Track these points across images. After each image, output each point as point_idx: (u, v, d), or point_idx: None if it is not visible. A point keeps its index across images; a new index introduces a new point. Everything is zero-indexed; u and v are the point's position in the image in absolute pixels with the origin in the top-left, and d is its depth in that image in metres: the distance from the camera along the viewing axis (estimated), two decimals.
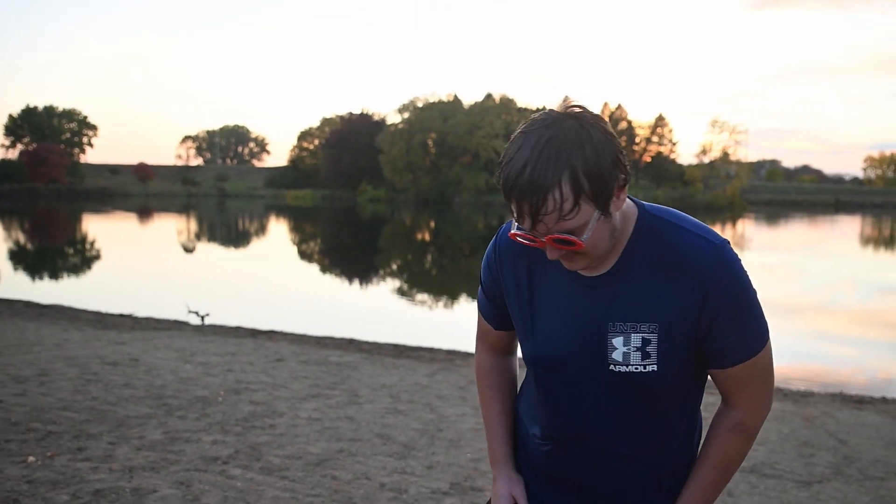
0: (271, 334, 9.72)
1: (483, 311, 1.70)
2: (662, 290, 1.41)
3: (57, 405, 5.15)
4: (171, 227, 41.56)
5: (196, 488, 3.70)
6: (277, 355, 7.76)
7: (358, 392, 6.14)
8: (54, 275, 19.56)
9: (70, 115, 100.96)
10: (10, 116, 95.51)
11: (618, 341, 1.43)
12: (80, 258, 24.26)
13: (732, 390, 1.48)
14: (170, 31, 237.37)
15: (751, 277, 1.46)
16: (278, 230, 42.76)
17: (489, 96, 79.97)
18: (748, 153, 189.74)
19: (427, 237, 38.83)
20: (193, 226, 44.57)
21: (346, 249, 30.79)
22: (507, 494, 1.63)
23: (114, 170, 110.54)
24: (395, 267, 24.25)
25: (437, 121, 75.40)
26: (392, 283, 19.54)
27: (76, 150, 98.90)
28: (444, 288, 18.54)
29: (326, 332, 9.94)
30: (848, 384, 8.57)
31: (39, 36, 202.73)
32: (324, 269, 23.22)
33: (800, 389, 7.87)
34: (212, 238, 35.80)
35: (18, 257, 24.24)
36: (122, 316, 10.84)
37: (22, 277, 18.58)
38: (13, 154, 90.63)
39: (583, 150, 1.26)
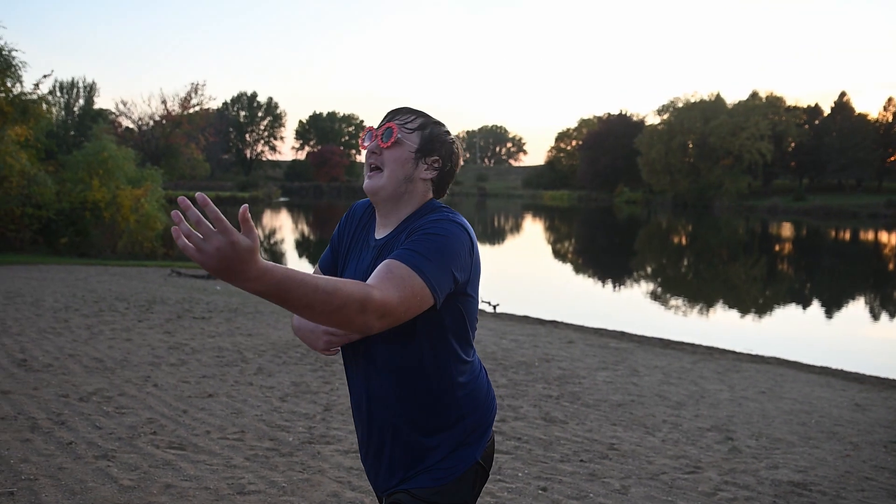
0: (555, 323, 11.88)
1: (321, 261, 2.06)
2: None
3: None
4: None
5: (543, 408, 5.84)
6: (568, 339, 9.86)
7: (636, 369, 8.03)
8: None
9: (349, 119, 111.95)
10: (301, 122, 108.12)
11: None
12: None
13: (376, 274, 1.64)
14: (427, 38, 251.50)
15: (460, 247, 1.73)
16: (539, 230, 45.36)
17: (755, 95, 77.27)
18: None
19: (684, 241, 39.37)
20: None
21: (603, 251, 32.50)
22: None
23: None
24: (650, 269, 25.63)
25: (697, 121, 74.28)
26: (649, 285, 21.08)
27: (353, 152, 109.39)
28: (700, 292, 19.74)
29: (601, 325, 11.89)
30: None
31: (319, 52, 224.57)
32: (585, 270, 25.21)
33: None
34: (480, 236, 39.12)
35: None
36: None
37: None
38: (301, 155, 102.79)
39: (435, 126, 1.89)
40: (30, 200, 18.40)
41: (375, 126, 1.88)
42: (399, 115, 1.87)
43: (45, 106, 20.27)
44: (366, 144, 1.86)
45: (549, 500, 3.94)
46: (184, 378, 6.13)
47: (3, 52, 18.52)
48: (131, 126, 58.01)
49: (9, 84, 18.99)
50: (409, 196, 1.84)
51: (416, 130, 1.85)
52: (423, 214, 1.82)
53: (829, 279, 23.58)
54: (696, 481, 4.34)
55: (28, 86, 24.75)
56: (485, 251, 30.77)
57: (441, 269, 1.67)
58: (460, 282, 1.74)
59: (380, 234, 1.88)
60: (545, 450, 4.80)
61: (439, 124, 1.90)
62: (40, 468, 3.87)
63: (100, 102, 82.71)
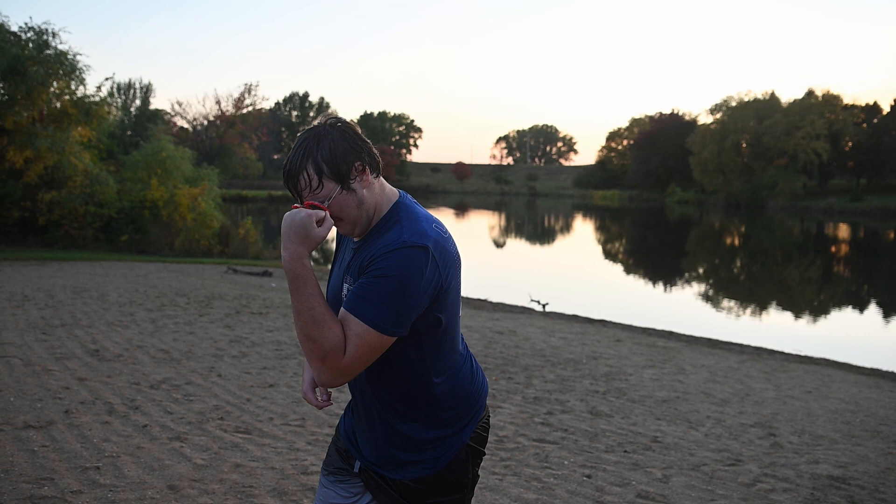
0: (604, 322, 12.00)
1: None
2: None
3: (481, 358, 7.80)
4: (488, 224, 45.80)
5: (590, 403, 6.02)
6: (616, 337, 9.98)
7: (683, 367, 8.14)
8: None
9: (399, 119, 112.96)
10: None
11: (345, 288, 1.88)
12: None
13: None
14: (478, 37, 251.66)
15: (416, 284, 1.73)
16: (590, 230, 45.19)
17: (811, 93, 75.72)
18: None
19: (736, 242, 38.89)
20: (510, 223, 48.63)
21: (653, 251, 32.33)
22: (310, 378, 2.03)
23: (435, 168, 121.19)
24: (701, 270, 25.45)
25: (751, 120, 73.12)
26: (699, 286, 20.97)
27: (404, 151, 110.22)
28: (752, 293, 19.60)
29: (649, 324, 11.98)
30: None
31: (370, 52, 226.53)
32: (635, 270, 25.14)
33: None
34: (530, 236, 39.20)
35: None
36: (480, 300, 13.77)
37: None
38: None
39: (321, 146, 1.79)
40: (92, 199, 19.10)
41: (300, 204, 1.84)
42: (300, 185, 1.81)
43: (106, 108, 21.00)
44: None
45: (594, 486, 4.13)
46: (245, 369, 6.45)
47: (69, 57, 19.27)
48: (186, 126, 59.28)
49: (73, 87, 19.76)
50: (374, 211, 1.87)
51: (322, 180, 1.79)
52: (385, 228, 1.84)
53: (886, 281, 23.16)
54: (737, 473, 4.49)
55: (91, 88, 25.56)
56: (535, 251, 30.89)
57: (399, 310, 1.73)
58: (427, 303, 1.78)
59: (359, 237, 1.94)
60: (591, 441, 5.00)
61: (323, 135, 1.81)
62: (121, 447, 4.20)
63: (155, 103, 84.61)
